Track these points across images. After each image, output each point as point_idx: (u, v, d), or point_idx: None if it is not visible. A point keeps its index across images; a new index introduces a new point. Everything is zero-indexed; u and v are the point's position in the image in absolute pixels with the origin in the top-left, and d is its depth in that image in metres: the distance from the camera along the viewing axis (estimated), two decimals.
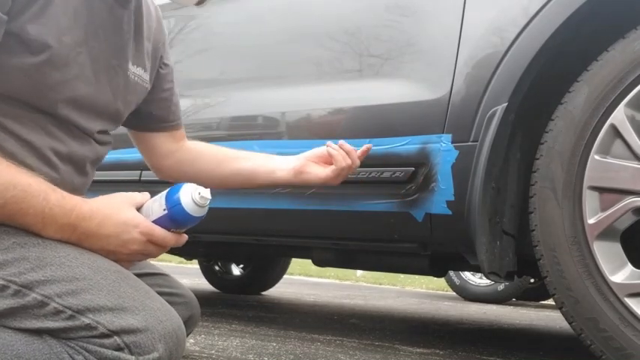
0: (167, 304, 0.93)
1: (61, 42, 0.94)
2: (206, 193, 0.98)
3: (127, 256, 0.96)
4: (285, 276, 4.07)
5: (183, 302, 1.20)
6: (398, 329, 2.49)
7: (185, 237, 1.00)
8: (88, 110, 1.02)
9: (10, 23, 0.87)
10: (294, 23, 1.93)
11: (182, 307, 1.17)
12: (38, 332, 0.86)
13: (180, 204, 0.96)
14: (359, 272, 7.52)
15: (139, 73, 1.14)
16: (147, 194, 1.01)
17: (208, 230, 2.15)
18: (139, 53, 1.13)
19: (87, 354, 0.85)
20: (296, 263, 5.85)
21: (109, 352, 0.84)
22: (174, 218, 0.97)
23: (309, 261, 2.39)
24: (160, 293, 0.98)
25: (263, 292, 3.96)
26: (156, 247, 0.97)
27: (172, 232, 0.98)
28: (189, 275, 5.09)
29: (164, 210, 0.96)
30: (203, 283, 4.07)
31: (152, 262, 1.28)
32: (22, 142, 0.92)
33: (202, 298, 3.42)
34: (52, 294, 0.85)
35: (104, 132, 1.10)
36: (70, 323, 0.84)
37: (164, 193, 0.98)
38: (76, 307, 0.84)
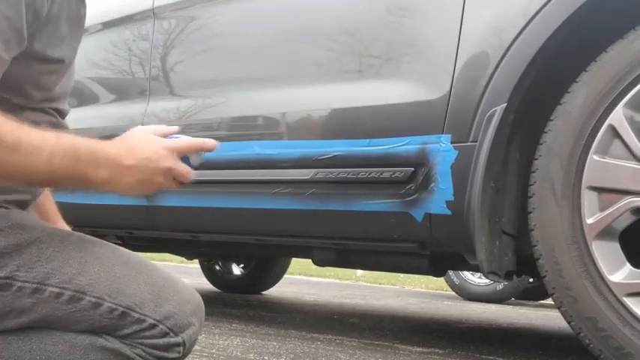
0: (185, 282, 1.02)
1: (69, 55, 0.98)
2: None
3: (161, 171, 0.95)
4: (285, 275, 4.07)
5: None
6: (398, 328, 2.50)
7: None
8: (65, 97, 1.05)
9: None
10: (294, 24, 1.93)
11: None
12: (96, 333, 0.91)
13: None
14: (359, 272, 7.52)
15: None
16: (173, 127, 1.01)
17: (209, 230, 2.16)
18: None
19: (142, 346, 0.92)
20: (296, 263, 5.84)
21: (158, 340, 0.92)
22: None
23: (310, 261, 2.39)
24: None
25: (263, 292, 3.96)
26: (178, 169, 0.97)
27: None
28: (190, 275, 5.09)
29: None
30: (204, 283, 4.07)
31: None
32: None
33: (203, 297, 3.41)
34: (103, 295, 0.90)
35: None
36: (123, 320, 0.90)
37: None
38: (125, 303, 0.90)
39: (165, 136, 0.98)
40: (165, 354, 0.93)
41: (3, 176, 0.84)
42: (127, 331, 0.91)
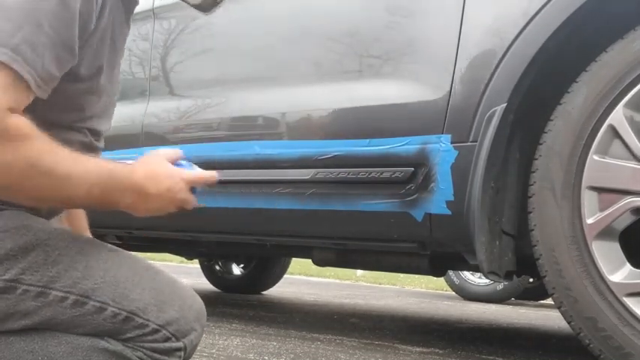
0: (189, 287, 1.03)
1: (107, 76, 0.99)
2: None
3: (176, 201, 1.02)
4: (285, 275, 4.07)
5: None
6: (398, 328, 2.50)
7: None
8: (104, 117, 1.06)
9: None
10: (294, 24, 1.93)
11: None
12: (99, 336, 0.92)
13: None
14: (359, 272, 7.52)
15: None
16: (177, 150, 1.08)
17: (209, 230, 2.16)
18: None
19: (144, 349, 0.93)
20: (296, 263, 5.84)
21: (160, 345, 0.94)
22: None
23: (310, 261, 2.40)
24: None
25: (263, 292, 3.96)
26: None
27: None
28: (190, 275, 5.09)
29: None
30: (204, 283, 4.08)
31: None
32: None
33: (203, 297, 3.42)
34: (107, 299, 0.91)
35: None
36: (126, 325, 0.92)
37: None
38: (129, 308, 0.92)
39: (173, 161, 1.03)
40: (166, 358, 0.94)
41: (47, 201, 0.91)
42: (129, 335, 0.92)
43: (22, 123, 0.82)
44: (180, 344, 0.95)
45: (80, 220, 1.21)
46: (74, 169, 0.86)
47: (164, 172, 0.98)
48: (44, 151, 0.83)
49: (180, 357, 0.96)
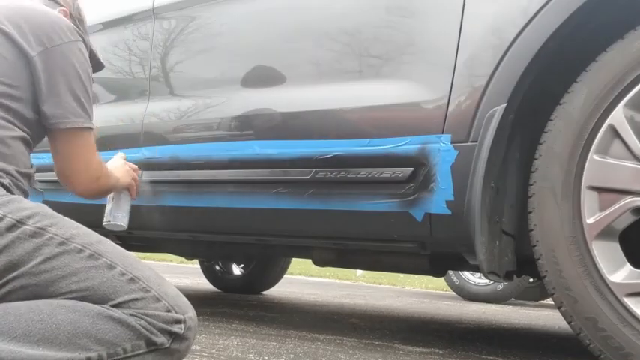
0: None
1: None
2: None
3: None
4: (285, 275, 4.08)
5: None
6: (398, 328, 2.50)
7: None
8: None
9: None
10: (294, 24, 1.93)
11: None
12: (103, 307, 1.01)
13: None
14: (359, 272, 7.53)
15: None
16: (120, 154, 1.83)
17: (209, 230, 2.16)
18: None
19: (146, 317, 1.01)
20: (296, 263, 5.85)
21: (163, 314, 1.03)
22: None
23: (309, 260, 2.40)
24: None
25: (263, 292, 3.96)
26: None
27: None
28: (189, 275, 5.10)
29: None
30: (204, 283, 4.08)
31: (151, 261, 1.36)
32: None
33: (203, 297, 3.42)
34: (117, 261, 1.04)
35: None
36: (132, 285, 1.02)
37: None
38: (135, 273, 1.04)
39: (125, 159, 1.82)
40: (167, 327, 1.02)
41: (100, 195, 1.51)
42: (135, 295, 1.01)
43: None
44: (180, 316, 1.04)
45: None
46: (110, 175, 1.53)
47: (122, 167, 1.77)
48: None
49: (180, 329, 1.04)
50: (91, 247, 1.04)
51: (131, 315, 1.00)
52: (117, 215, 1.82)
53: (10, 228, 1.01)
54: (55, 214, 1.09)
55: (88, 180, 1.37)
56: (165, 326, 1.02)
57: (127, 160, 1.82)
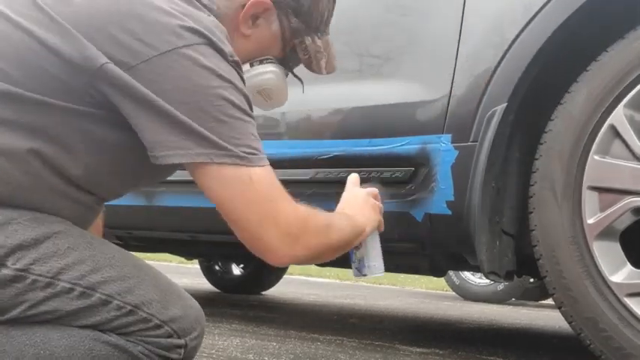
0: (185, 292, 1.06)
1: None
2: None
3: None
4: (285, 276, 4.08)
5: None
6: (398, 329, 2.50)
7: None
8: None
9: None
10: None
11: None
12: (100, 331, 0.94)
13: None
14: None
15: None
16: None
17: (209, 230, 2.16)
18: None
19: (145, 344, 0.94)
20: None
21: (163, 340, 0.95)
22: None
23: None
24: None
25: (263, 292, 3.96)
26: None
27: None
28: (189, 275, 5.09)
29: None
30: (204, 283, 4.08)
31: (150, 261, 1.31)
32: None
33: (203, 297, 3.42)
34: (113, 293, 0.92)
35: None
36: (130, 318, 0.93)
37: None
38: (134, 302, 0.93)
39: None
40: (167, 354, 0.96)
41: (317, 254, 1.08)
42: (133, 328, 0.93)
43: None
44: (181, 341, 0.97)
45: (97, 219, 1.24)
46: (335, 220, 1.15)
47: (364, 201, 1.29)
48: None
49: (180, 354, 0.97)
50: (82, 283, 0.91)
51: (128, 341, 0.94)
52: (373, 265, 1.39)
53: None
54: (42, 232, 0.91)
55: (278, 239, 0.99)
56: (164, 353, 0.96)
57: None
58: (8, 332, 0.90)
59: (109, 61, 0.88)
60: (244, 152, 0.97)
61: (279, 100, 1.33)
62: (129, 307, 0.93)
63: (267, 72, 1.23)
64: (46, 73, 0.89)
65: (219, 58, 0.94)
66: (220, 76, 0.93)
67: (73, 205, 0.97)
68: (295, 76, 1.30)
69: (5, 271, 0.88)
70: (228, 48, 0.96)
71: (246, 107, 0.99)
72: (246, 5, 1.10)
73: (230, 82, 0.94)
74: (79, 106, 0.91)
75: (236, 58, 0.98)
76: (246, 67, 1.18)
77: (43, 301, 0.90)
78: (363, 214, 1.24)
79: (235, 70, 0.97)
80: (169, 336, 0.96)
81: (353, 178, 1.34)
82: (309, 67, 1.27)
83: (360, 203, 1.26)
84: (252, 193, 0.98)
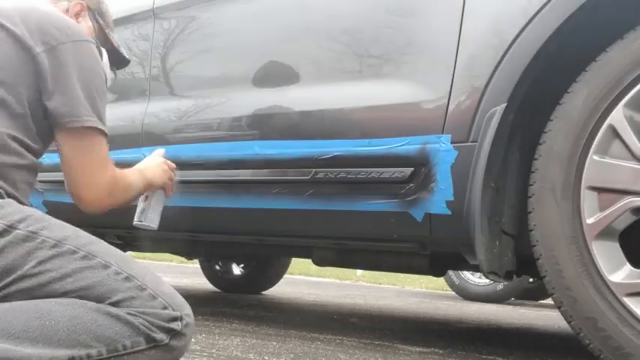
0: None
1: None
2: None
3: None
4: (285, 275, 4.08)
5: None
6: (397, 328, 2.50)
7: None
8: None
9: None
10: (294, 24, 1.93)
11: None
12: (103, 302, 1.01)
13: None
14: (359, 272, 7.52)
15: None
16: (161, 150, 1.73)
17: (209, 230, 2.16)
18: None
19: (145, 315, 1.02)
20: (296, 263, 5.85)
21: (160, 311, 1.03)
22: None
23: (309, 260, 2.40)
24: None
25: (263, 292, 3.96)
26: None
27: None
28: (189, 275, 5.10)
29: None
30: (204, 283, 4.08)
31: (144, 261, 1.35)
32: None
33: (203, 297, 3.42)
34: (111, 261, 1.04)
35: None
36: (127, 284, 1.02)
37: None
38: (130, 272, 1.04)
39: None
40: (165, 324, 1.03)
41: (118, 204, 1.35)
42: (131, 294, 1.02)
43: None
44: (177, 313, 1.05)
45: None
46: (131, 180, 1.44)
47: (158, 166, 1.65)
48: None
49: (178, 326, 1.04)
50: (84, 249, 1.04)
51: (129, 313, 1.00)
52: (149, 216, 1.72)
53: (2, 233, 1.00)
54: (47, 216, 1.08)
55: (97, 195, 1.26)
56: (163, 324, 1.02)
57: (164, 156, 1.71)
58: (12, 305, 0.97)
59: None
60: (102, 122, 1.26)
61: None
62: (125, 274, 1.03)
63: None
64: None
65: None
66: (99, 63, 1.32)
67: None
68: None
69: (18, 232, 1.00)
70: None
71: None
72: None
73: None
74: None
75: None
76: None
77: (50, 259, 1.00)
78: (153, 172, 1.60)
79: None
80: (165, 307, 1.03)
81: (159, 151, 1.72)
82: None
83: (152, 165, 1.63)
84: (97, 155, 1.25)
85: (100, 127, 1.22)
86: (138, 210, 1.73)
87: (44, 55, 1.16)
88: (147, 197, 1.72)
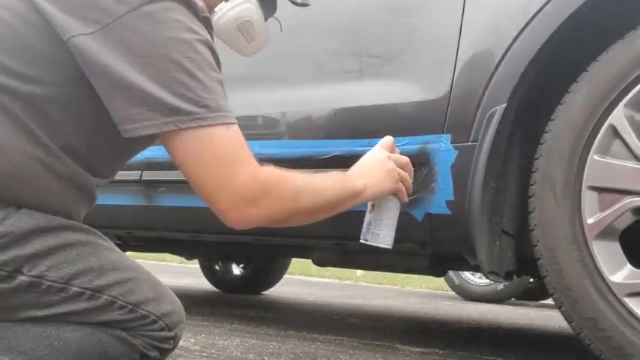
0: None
1: None
2: None
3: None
4: (285, 275, 4.08)
5: None
6: (398, 329, 2.50)
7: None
8: None
9: None
10: (293, 23, 1.93)
11: None
12: (105, 325, 1.02)
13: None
14: (359, 272, 7.52)
15: None
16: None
17: (209, 230, 2.16)
18: None
19: (144, 337, 1.05)
20: (296, 263, 5.86)
21: (156, 333, 1.06)
22: None
23: (309, 261, 2.39)
24: None
25: (263, 292, 3.96)
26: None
27: None
28: (189, 275, 5.09)
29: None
30: (203, 283, 4.08)
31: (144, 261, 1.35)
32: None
33: (203, 297, 3.42)
34: (117, 295, 1.01)
35: None
36: (131, 315, 1.03)
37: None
38: (134, 302, 1.02)
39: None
40: (160, 344, 1.07)
41: (282, 217, 1.09)
42: (133, 324, 1.03)
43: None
44: (172, 333, 1.08)
45: None
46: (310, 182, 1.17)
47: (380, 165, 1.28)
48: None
49: (170, 345, 1.09)
50: (90, 287, 0.99)
51: (130, 335, 1.04)
52: (377, 233, 1.35)
53: (6, 279, 0.94)
54: (57, 240, 0.97)
55: (232, 203, 0.97)
56: (158, 344, 1.07)
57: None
58: (23, 324, 0.98)
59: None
60: (209, 110, 0.95)
61: (261, 41, 1.31)
62: (130, 306, 1.02)
63: (244, 2, 1.27)
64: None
65: (188, 13, 0.95)
66: (191, 29, 0.94)
67: (76, 192, 1.03)
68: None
69: (22, 278, 0.95)
70: (199, 3, 0.98)
71: (214, 63, 1.02)
72: None
73: (200, 35, 0.96)
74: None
75: (206, 14, 1.00)
76: (220, 5, 1.23)
77: (57, 304, 0.98)
78: (368, 175, 1.23)
79: (205, 26, 1.00)
80: (162, 329, 1.06)
81: (384, 140, 1.33)
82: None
83: (368, 166, 1.26)
84: (210, 155, 0.96)
85: (196, 123, 0.93)
86: (364, 223, 1.40)
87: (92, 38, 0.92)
88: (373, 207, 1.36)
